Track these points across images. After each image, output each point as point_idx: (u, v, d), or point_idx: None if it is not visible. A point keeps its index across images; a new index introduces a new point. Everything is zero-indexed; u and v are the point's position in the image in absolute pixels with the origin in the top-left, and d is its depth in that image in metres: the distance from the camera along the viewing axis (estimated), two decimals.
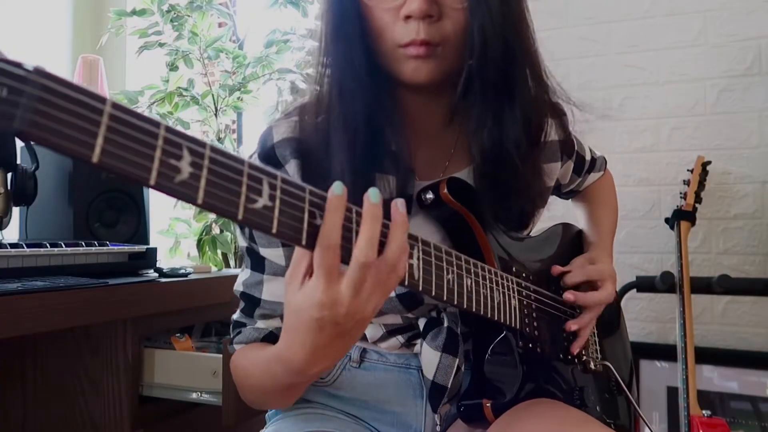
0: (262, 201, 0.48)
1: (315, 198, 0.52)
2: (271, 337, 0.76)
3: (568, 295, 0.84)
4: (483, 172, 0.78)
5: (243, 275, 0.79)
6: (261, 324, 0.78)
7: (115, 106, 0.39)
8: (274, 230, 0.49)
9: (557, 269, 0.87)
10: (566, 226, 0.98)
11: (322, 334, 0.54)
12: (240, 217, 0.46)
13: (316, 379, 0.65)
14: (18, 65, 0.36)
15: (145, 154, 0.41)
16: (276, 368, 0.63)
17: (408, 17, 0.69)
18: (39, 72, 0.36)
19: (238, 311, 0.80)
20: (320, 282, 0.52)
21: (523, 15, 0.75)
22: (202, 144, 0.44)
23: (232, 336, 0.80)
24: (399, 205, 0.55)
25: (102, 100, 0.39)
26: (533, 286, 0.83)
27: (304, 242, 0.51)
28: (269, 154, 0.75)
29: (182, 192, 0.43)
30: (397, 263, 0.54)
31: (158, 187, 0.42)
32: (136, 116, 0.40)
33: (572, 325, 0.84)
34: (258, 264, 0.77)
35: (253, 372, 0.71)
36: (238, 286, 0.79)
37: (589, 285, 0.88)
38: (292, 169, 0.74)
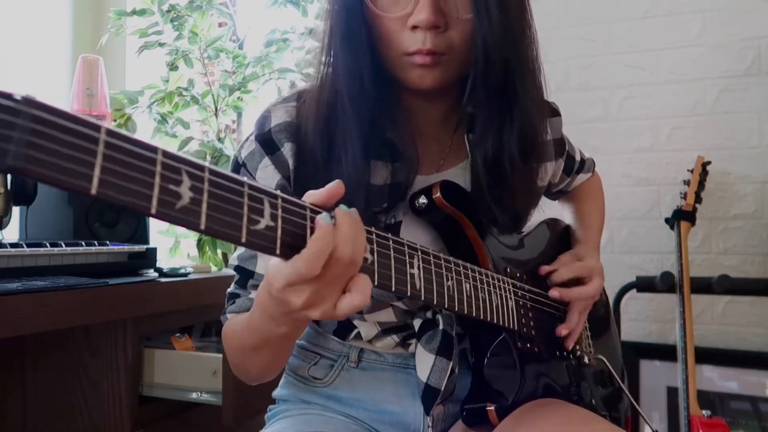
0: (264, 221, 0.47)
1: (316, 214, 0.51)
2: None
3: (554, 292, 0.85)
4: (483, 177, 0.79)
5: (239, 250, 0.81)
6: (254, 294, 0.79)
7: (110, 133, 0.38)
8: (277, 251, 0.48)
9: (545, 269, 0.87)
10: (554, 222, 0.99)
11: (270, 308, 0.57)
12: (243, 239, 0.45)
13: (287, 335, 0.64)
14: (7, 96, 0.34)
15: (144, 182, 0.39)
16: (254, 313, 0.64)
17: (415, 27, 0.70)
18: (29, 102, 0.34)
19: (232, 284, 0.81)
20: (297, 269, 0.51)
21: (526, 25, 0.76)
22: (201, 167, 0.43)
23: (225, 307, 0.81)
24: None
25: (96, 128, 0.37)
26: (527, 286, 0.83)
27: None
28: (266, 138, 0.77)
29: (184, 219, 0.42)
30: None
31: (159, 215, 0.40)
32: (132, 142, 0.39)
33: (563, 330, 0.85)
34: None
35: (238, 328, 0.73)
36: (233, 261, 0.81)
37: (577, 282, 0.88)
38: (287, 152, 0.76)
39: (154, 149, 0.40)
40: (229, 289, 0.82)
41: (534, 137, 0.80)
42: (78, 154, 0.36)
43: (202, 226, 0.43)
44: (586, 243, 0.97)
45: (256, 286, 0.79)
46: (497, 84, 0.74)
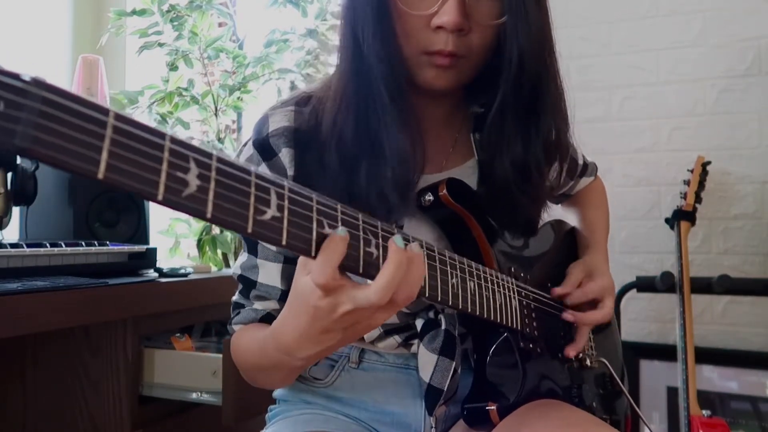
0: (271, 212, 0.46)
1: (322, 206, 0.51)
2: (269, 318, 0.78)
3: (567, 315, 0.84)
4: (506, 179, 0.79)
5: (241, 258, 0.80)
6: (258, 305, 0.79)
7: (119, 117, 0.38)
8: (283, 242, 0.48)
9: (556, 291, 0.85)
10: (558, 224, 0.98)
11: (315, 324, 0.55)
12: (249, 230, 0.45)
13: (306, 364, 0.66)
14: (15, 76, 0.34)
15: (151, 168, 0.39)
16: (269, 344, 0.64)
17: (439, 28, 0.70)
18: (38, 83, 0.34)
19: (236, 293, 0.82)
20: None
21: (551, 33, 0.77)
22: (209, 155, 0.43)
23: (231, 317, 0.81)
24: (414, 248, 0.54)
25: (105, 111, 0.37)
26: (531, 287, 0.83)
27: (313, 254, 0.50)
28: (263, 143, 0.76)
29: (190, 206, 0.41)
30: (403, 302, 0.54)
31: (166, 203, 0.40)
32: (141, 127, 0.39)
33: (571, 351, 0.84)
34: (253, 248, 0.79)
35: (250, 349, 0.73)
36: (236, 269, 0.81)
37: (590, 302, 0.87)
38: (285, 159, 0.75)
39: (162, 135, 0.40)
40: (233, 298, 0.82)
41: (555, 141, 0.81)
42: (86, 138, 0.36)
43: (209, 215, 0.42)
44: (594, 251, 0.95)
45: (258, 297, 0.79)
46: (528, 91, 0.74)
